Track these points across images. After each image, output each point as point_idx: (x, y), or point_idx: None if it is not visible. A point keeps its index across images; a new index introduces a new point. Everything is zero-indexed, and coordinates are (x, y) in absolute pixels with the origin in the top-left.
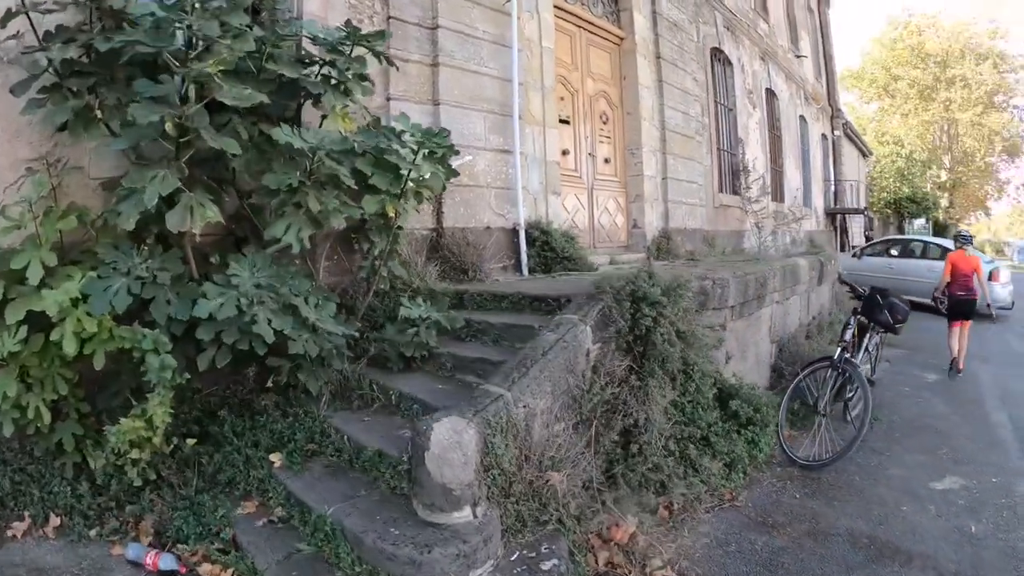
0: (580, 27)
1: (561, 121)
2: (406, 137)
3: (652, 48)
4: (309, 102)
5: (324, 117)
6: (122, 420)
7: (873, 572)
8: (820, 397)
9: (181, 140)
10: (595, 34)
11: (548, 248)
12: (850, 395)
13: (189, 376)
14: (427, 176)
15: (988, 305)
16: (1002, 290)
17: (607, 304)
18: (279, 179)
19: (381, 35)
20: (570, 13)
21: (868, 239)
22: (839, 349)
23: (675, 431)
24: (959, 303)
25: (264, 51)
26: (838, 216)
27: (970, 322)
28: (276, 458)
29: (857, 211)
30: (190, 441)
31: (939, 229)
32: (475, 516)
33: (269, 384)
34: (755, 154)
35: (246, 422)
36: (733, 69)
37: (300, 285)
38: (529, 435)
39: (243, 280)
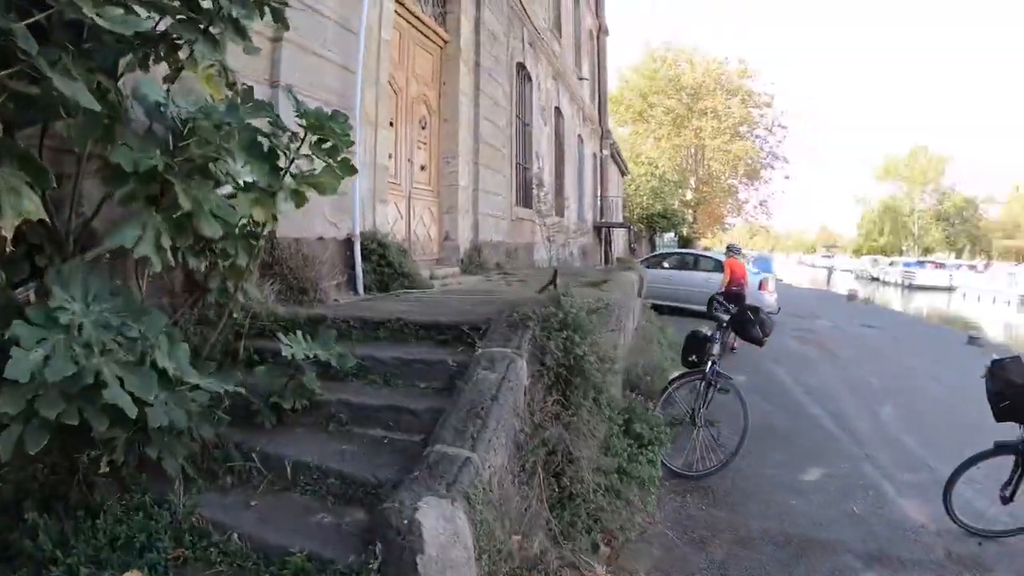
0: (410, 23)
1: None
2: (288, 119)
3: (473, 56)
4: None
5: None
6: None
7: (809, 565)
8: (696, 409)
9: None
10: (423, 33)
11: (385, 263)
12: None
13: None
14: (317, 171)
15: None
16: (769, 297)
17: (535, 333)
18: (135, 159)
19: None
20: (403, 7)
21: (633, 251)
22: (710, 362)
23: (601, 462)
24: (737, 296)
25: None
26: (603, 230)
27: None
28: None
29: (622, 225)
30: None
31: (685, 242)
32: None
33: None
34: (546, 169)
35: (70, 526)
36: (532, 85)
37: (152, 322)
38: (503, 502)
39: (76, 315)
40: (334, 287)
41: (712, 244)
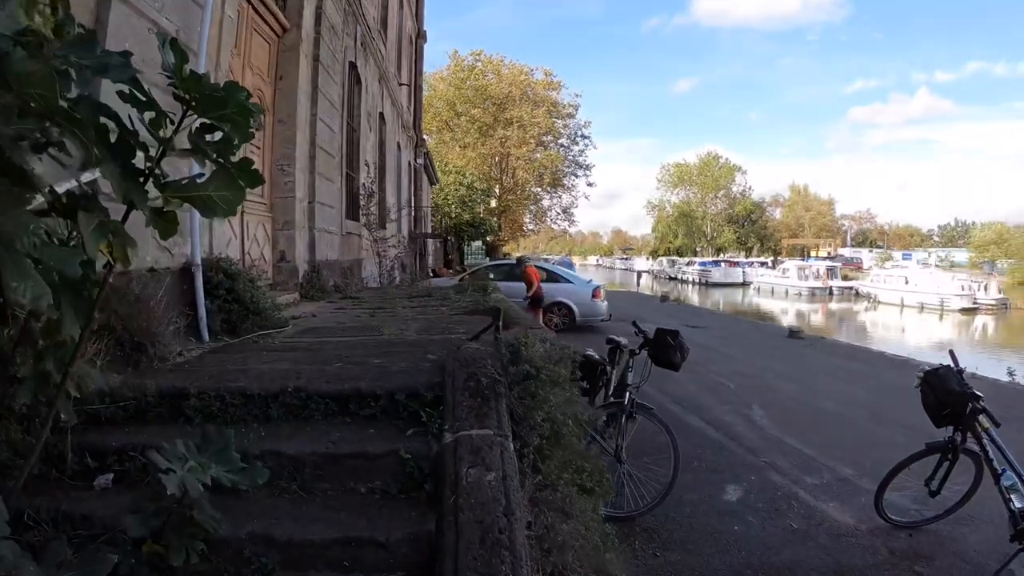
0: (250, 2)
1: None
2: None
3: (312, 49)
4: None
5: None
6: None
7: None
8: (620, 447)
9: None
10: (262, 17)
11: (233, 298)
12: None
13: None
14: (203, 177)
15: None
16: (602, 304)
17: (510, 402)
18: None
19: None
20: None
21: (449, 263)
22: (627, 393)
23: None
24: (540, 298)
25: None
26: (418, 240)
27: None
28: None
29: (437, 236)
30: None
31: (490, 250)
32: None
33: None
34: (370, 176)
35: None
36: (362, 88)
37: None
38: None
39: None
40: (172, 333)
41: (512, 250)
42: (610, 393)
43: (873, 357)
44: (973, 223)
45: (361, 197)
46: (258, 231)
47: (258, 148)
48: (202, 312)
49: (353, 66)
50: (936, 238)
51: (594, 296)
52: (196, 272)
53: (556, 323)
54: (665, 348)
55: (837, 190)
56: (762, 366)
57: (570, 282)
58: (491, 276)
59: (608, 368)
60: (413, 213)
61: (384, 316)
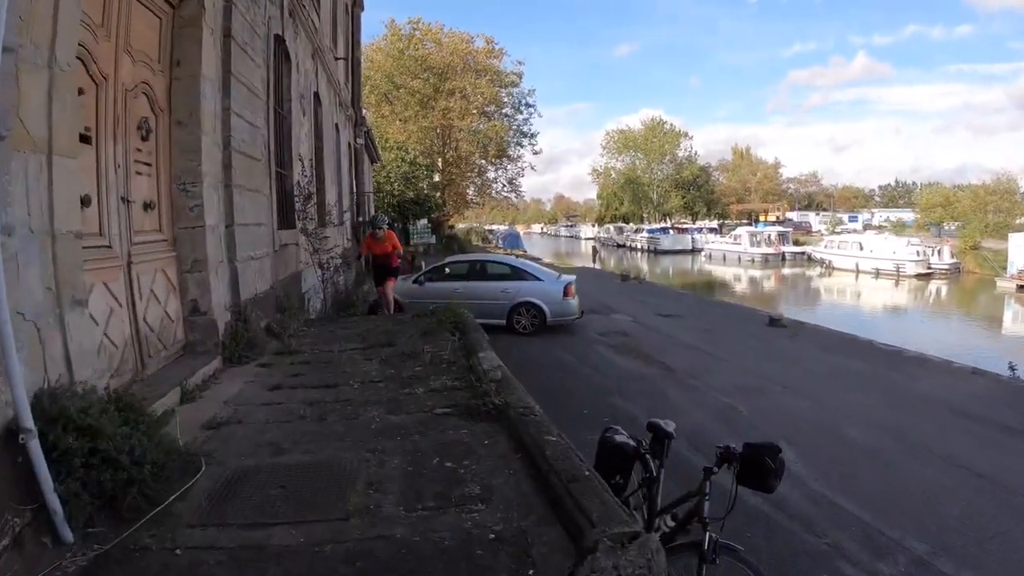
0: None
1: (81, 139)
2: None
3: (222, 21)
4: None
5: None
6: None
7: None
8: None
9: None
10: None
11: (102, 462)
12: None
13: None
14: None
15: None
16: (574, 302)
17: None
18: None
19: None
20: None
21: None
22: (708, 533)
23: None
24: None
25: None
26: (362, 232)
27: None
28: None
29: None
30: None
31: (435, 226)
32: None
33: None
34: (307, 172)
35: None
36: (291, 66)
37: None
38: None
39: None
40: None
41: (456, 222)
42: (657, 507)
43: (863, 349)
44: (914, 183)
45: (296, 199)
46: (155, 282)
47: (149, 165)
48: (53, 503)
49: (280, 40)
50: (878, 199)
51: (566, 294)
52: (28, 441)
53: (525, 325)
54: (759, 469)
55: (777, 151)
56: (760, 373)
57: (539, 279)
58: (449, 272)
59: (652, 463)
60: (355, 199)
61: (339, 415)
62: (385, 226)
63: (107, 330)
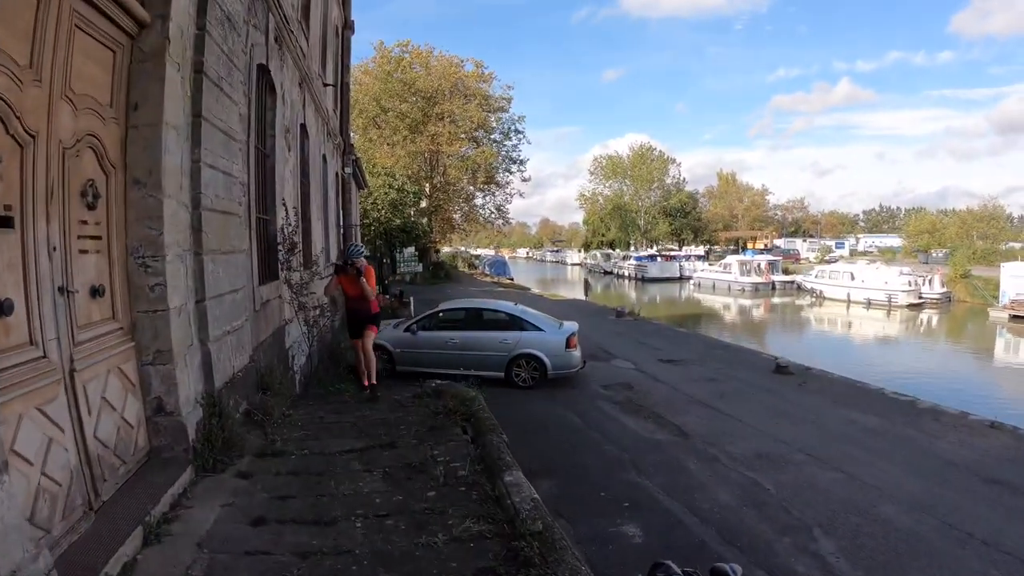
0: None
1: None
2: None
3: (192, 53)
4: None
5: None
6: None
7: None
8: None
9: None
10: (93, 4)
11: None
12: None
13: None
14: None
15: None
16: (576, 353)
17: None
18: None
19: None
20: None
21: (385, 288)
22: None
23: None
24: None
25: None
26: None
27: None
28: None
29: (369, 259)
30: None
31: (422, 253)
32: None
33: None
34: (291, 221)
35: None
36: (276, 98)
37: None
38: None
39: None
40: None
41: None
42: None
43: (875, 401)
44: (898, 208)
45: (280, 248)
46: (108, 386)
47: (96, 239)
48: None
49: (264, 70)
50: (862, 223)
51: (568, 345)
52: None
53: (524, 378)
54: None
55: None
56: (777, 436)
57: (540, 328)
58: (443, 320)
59: None
60: (342, 231)
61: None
62: (362, 258)
63: (45, 468)
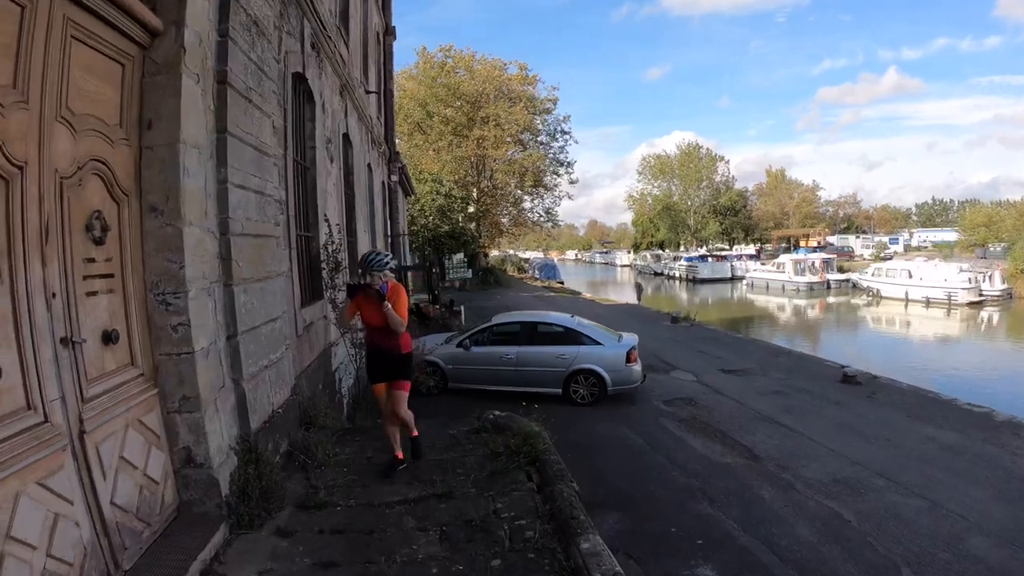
0: None
1: None
2: None
3: (213, 63)
4: None
5: None
6: None
7: None
8: None
9: None
10: (94, 13)
11: None
12: None
13: None
14: None
15: None
16: (637, 367)
17: None
18: None
19: None
20: None
21: (435, 297)
22: None
23: None
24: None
25: None
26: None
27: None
28: None
29: (418, 267)
30: None
31: (471, 259)
32: None
33: None
34: (335, 239)
35: None
36: (315, 107)
37: None
38: None
39: None
40: None
41: (489, 250)
42: None
43: (950, 413)
44: (951, 201)
45: (323, 267)
46: (127, 443)
47: (107, 278)
48: None
49: (301, 78)
50: (915, 217)
51: (628, 360)
52: None
53: (583, 395)
54: None
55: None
56: (853, 457)
57: (598, 342)
58: (497, 337)
59: None
60: (390, 240)
61: None
62: (389, 270)
63: (52, 549)
